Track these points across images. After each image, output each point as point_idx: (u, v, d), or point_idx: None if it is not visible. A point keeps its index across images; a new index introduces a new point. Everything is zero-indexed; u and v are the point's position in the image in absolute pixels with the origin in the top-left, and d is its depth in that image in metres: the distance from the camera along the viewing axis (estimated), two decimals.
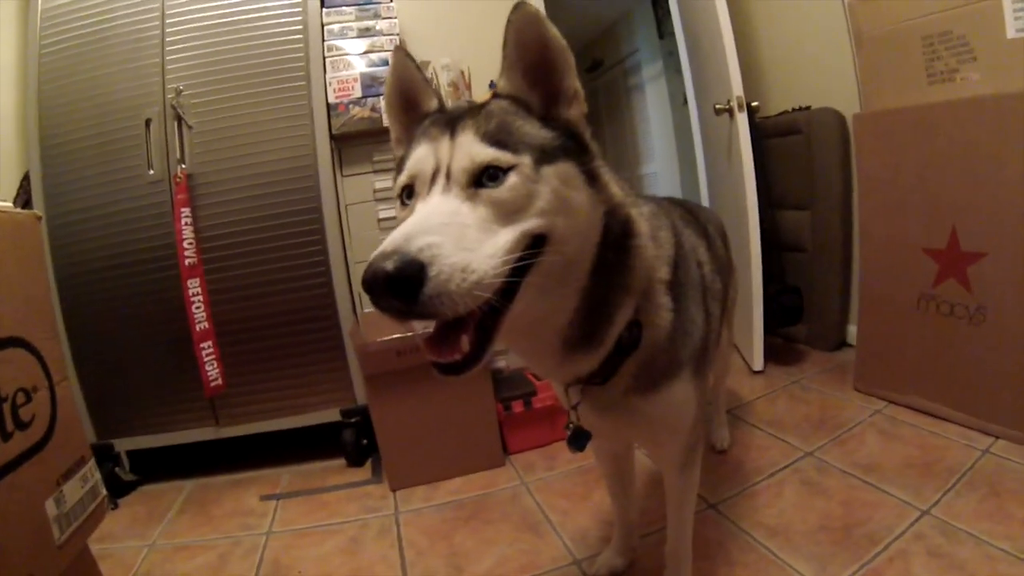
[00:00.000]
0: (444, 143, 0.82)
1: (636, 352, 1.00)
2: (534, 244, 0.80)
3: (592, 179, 0.88)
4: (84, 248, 2.42)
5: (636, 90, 6.30)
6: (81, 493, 1.24)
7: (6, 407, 1.05)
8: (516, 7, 0.85)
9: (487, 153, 0.79)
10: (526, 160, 0.80)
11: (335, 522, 2.08)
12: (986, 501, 1.67)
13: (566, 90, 0.89)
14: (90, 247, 2.42)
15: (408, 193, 0.86)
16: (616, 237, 0.91)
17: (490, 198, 0.77)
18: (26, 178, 2.49)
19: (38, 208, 2.37)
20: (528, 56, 0.88)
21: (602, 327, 0.94)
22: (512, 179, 0.78)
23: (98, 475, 1.33)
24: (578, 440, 1.13)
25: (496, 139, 0.80)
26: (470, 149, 0.79)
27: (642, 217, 0.98)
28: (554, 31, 0.86)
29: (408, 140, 0.96)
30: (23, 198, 2.47)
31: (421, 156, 0.84)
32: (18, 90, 2.58)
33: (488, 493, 2.14)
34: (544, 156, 0.82)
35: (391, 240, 0.67)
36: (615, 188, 0.92)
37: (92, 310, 2.43)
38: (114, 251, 2.42)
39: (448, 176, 0.79)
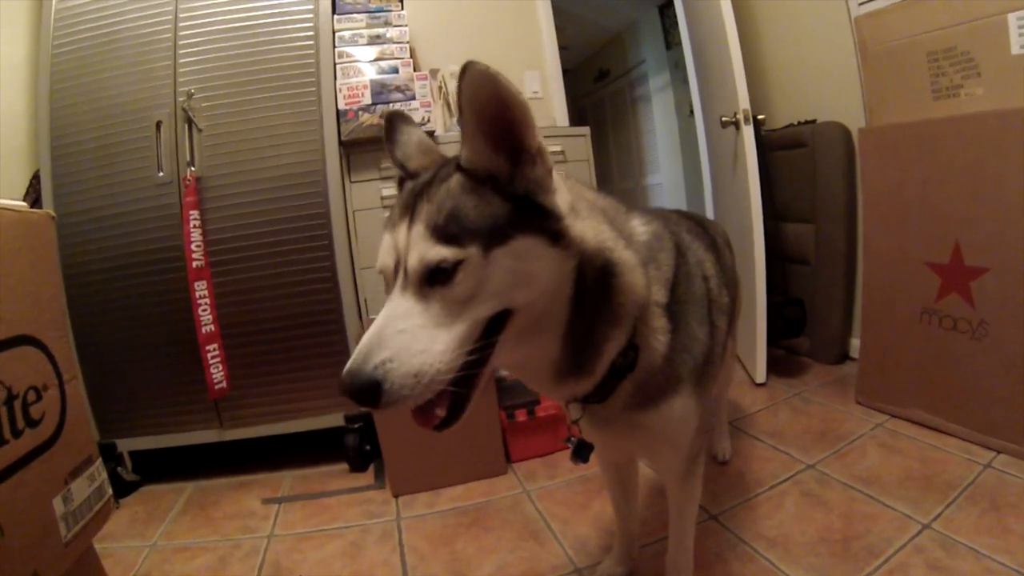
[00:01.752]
0: (402, 232, 0.84)
1: (632, 373, 1.01)
2: (498, 316, 0.84)
3: (557, 239, 0.86)
4: (92, 248, 2.43)
5: (642, 100, 6.32)
6: (88, 491, 1.24)
7: (17, 404, 1.05)
8: (464, 69, 0.78)
9: (433, 253, 0.80)
10: (473, 252, 0.80)
11: (337, 526, 2.08)
12: (986, 515, 1.67)
13: (528, 147, 0.85)
14: (98, 247, 2.43)
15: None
16: (595, 279, 0.91)
17: (441, 295, 0.80)
18: (36, 177, 2.51)
19: (47, 207, 2.38)
20: (487, 116, 0.83)
21: (592, 359, 0.96)
22: (459, 275, 0.80)
23: (104, 474, 1.33)
24: (581, 452, 1.15)
25: (444, 233, 0.80)
26: (419, 248, 0.81)
27: (629, 250, 0.96)
28: (511, 86, 0.80)
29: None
30: (32, 196, 2.48)
31: (385, 249, 0.87)
32: (29, 89, 2.60)
33: (490, 500, 2.15)
34: (495, 238, 0.82)
35: (357, 352, 0.77)
36: (590, 235, 0.90)
37: (98, 309, 2.44)
38: (122, 252, 2.42)
39: (405, 273, 0.82)
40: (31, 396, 1.10)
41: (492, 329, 0.85)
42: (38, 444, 1.10)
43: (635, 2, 5.72)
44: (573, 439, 1.15)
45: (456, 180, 0.86)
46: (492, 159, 0.85)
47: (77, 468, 1.22)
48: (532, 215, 0.85)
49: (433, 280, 0.80)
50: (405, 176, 1.01)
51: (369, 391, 0.75)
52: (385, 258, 0.87)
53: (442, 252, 0.79)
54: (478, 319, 0.82)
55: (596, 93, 7.40)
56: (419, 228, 0.82)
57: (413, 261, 0.81)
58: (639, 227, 1.04)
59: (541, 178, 0.86)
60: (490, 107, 0.81)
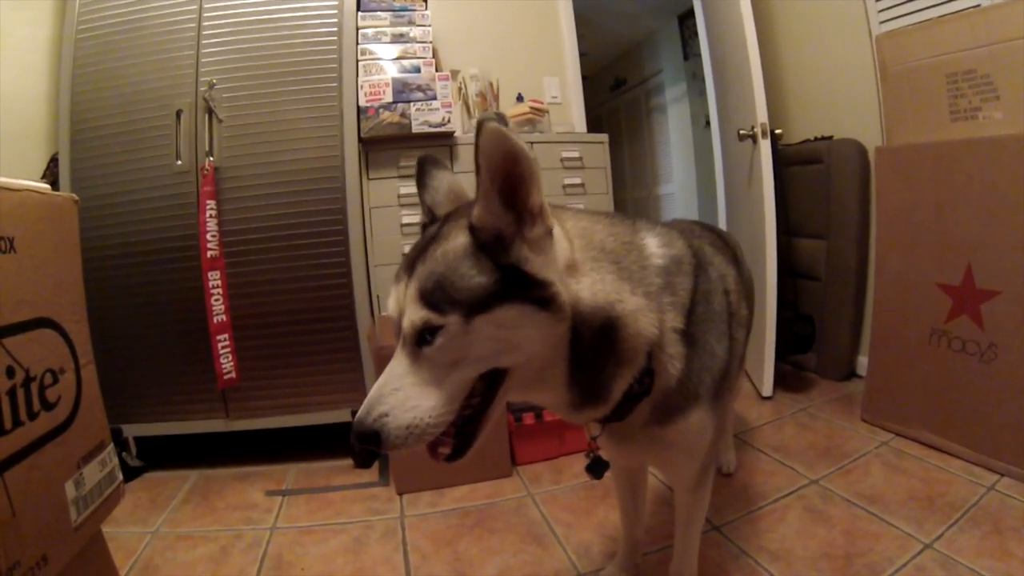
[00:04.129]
0: (402, 289, 0.90)
1: (649, 396, 1.02)
2: (496, 371, 0.90)
3: (546, 304, 0.86)
4: (107, 233, 2.44)
5: (658, 110, 6.32)
6: (99, 477, 1.25)
7: (34, 386, 1.06)
8: (479, 129, 0.80)
9: (420, 316, 0.85)
10: (452, 320, 0.83)
11: (340, 522, 2.08)
12: (988, 537, 1.67)
13: (531, 206, 0.86)
14: (113, 232, 2.44)
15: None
16: (594, 335, 0.92)
17: (429, 357, 0.86)
18: (53, 159, 2.53)
19: (64, 190, 2.39)
20: (501, 171, 0.84)
21: (603, 393, 0.97)
22: (440, 340, 0.84)
23: (116, 460, 1.33)
24: (596, 469, 1.18)
25: (430, 299, 0.85)
26: (409, 310, 0.87)
27: (636, 295, 0.96)
28: (522, 144, 0.82)
29: None
30: (49, 179, 2.49)
31: (392, 302, 0.93)
32: (51, 72, 2.62)
33: (494, 502, 2.15)
34: (479, 306, 0.84)
35: (363, 406, 0.87)
36: (586, 295, 0.91)
37: (109, 294, 2.44)
38: (137, 238, 2.43)
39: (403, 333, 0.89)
40: (48, 379, 1.11)
41: (493, 382, 0.91)
42: (52, 427, 1.11)
43: (655, 12, 5.72)
44: (592, 453, 1.17)
45: (456, 243, 0.88)
46: (502, 217, 0.86)
47: (90, 453, 1.23)
48: (520, 283, 0.86)
49: (422, 342, 0.86)
50: (430, 222, 1.03)
51: (371, 438, 0.85)
52: (393, 312, 0.93)
53: (425, 317, 0.84)
54: (465, 380, 0.88)
55: (612, 101, 7.40)
56: (412, 290, 0.87)
57: (405, 323, 0.87)
58: (657, 250, 1.03)
59: (539, 238, 0.88)
60: (502, 164, 0.83)
